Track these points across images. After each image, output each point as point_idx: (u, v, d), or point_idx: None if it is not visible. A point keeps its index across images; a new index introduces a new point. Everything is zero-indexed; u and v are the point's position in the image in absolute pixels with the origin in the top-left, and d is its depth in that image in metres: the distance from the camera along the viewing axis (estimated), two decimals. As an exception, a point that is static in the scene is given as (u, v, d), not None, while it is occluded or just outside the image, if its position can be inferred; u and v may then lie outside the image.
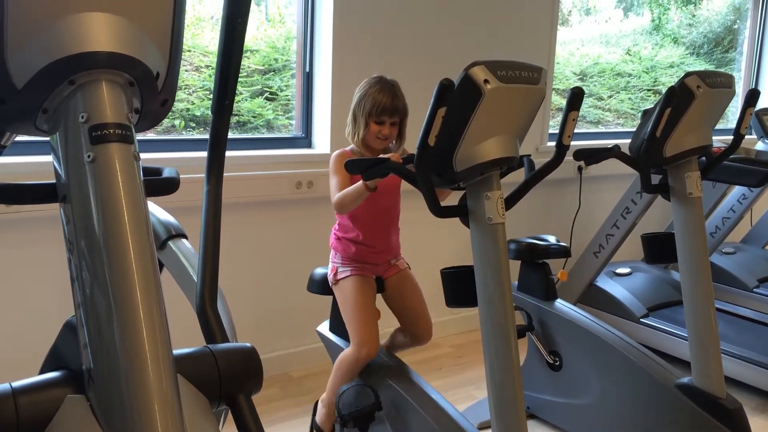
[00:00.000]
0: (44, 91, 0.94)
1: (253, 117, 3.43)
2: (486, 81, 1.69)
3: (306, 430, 2.84)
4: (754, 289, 4.23)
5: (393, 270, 2.43)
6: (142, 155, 0.99)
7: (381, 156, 2.05)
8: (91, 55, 0.93)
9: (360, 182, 2.10)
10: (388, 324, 2.55)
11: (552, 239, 2.91)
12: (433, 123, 1.68)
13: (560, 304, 2.85)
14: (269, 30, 3.58)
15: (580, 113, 2.21)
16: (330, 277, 2.43)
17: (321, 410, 2.48)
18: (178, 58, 1.05)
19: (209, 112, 3.25)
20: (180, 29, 1.04)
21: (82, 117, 0.94)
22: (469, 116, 1.72)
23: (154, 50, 1.00)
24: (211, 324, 1.18)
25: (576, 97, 1.94)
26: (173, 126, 3.24)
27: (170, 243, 1.67)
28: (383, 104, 2.27)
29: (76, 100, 0.95)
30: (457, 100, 1.70)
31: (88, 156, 0.94)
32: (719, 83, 2.37)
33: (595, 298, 3.88)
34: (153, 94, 1.02)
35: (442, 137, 1.71)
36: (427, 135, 1.70)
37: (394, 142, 2.37)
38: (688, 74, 2.34)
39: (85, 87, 0.94)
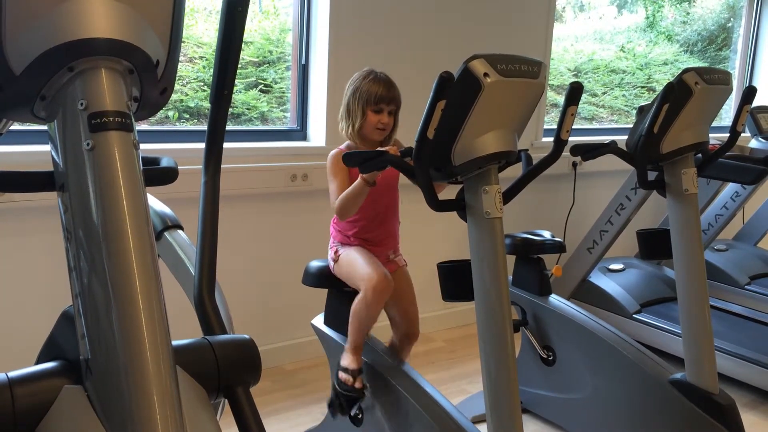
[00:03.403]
0: (42, 77, 0.92)
1: (247, 109, 3.41)
2: (486, 74, 1.68)
3: (298, 424, 2.85)
4: (746, 286, 4.25)
5: (391, 267, 2.40)
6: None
7: (379, 149, 2.04)
8: (90, 42, 0.91)
9: (358, 180, 2.09)
10: (385, 321, 2.55)
11: (547, 234, 2.91)
12: (432, 116, 1.67)
13: (554, 299, 2.85)
14: (263, 22, 3.56)
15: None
16: (330, 256, 2.40)
17: (346, 357, 2.35)
18: (178, 46, 1.04)
19: (203, 104, 3.24)
20: (180, 17, 1.02)
21: (81, 104, 0.93)
22: (468, 110, 1.71)
23: (154, 37, 0.99)
24: (209, 315, 1.17)
25: (575, 91, 1.94)
26: (167, 117, 3.22)
27: (166, 234, 1.65)
28: (380, 93, 2.26)
29: (74, 87, 0.93)
30: (457, 93, 1.69)
31: (87, 144, 0.92)
32: (717, 80, 2.36)
33: (588, 294, 3.89)
34: (152, 82, 1.01)
35: (441, 130, 1.70)
36: (426, 128, 1.69)
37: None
38: (686, 70, 2.33)
39: (84, 74, 0.93)
